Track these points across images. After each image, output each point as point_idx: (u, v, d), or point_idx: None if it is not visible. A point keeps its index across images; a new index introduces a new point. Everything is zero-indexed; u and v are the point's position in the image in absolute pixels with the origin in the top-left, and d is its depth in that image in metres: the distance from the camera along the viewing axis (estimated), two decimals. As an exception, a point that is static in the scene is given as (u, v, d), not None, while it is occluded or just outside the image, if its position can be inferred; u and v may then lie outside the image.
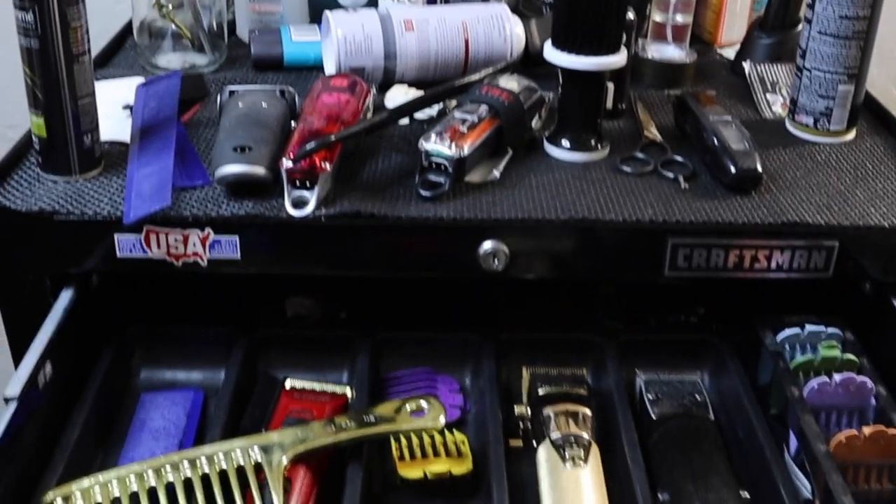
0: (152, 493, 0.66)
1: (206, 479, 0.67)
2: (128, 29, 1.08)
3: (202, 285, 0.82)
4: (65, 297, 0.77)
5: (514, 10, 1.01)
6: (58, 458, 0.71)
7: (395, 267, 0.77)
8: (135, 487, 0.66)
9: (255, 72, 1.00)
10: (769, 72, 0.99)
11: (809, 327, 0.80)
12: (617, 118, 0.92)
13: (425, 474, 0.74)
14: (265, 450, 0.69)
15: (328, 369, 0.85)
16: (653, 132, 0.88)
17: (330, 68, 0.95)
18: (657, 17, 1.01)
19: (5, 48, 0.87)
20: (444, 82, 0.86)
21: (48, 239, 0.75)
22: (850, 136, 0.89)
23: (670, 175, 0.81)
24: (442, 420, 0.73)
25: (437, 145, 0.77)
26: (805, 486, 0.70)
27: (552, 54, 0.81)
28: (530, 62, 0.96)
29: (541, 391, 0.80)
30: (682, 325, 0.91)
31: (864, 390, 0.74)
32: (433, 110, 0.90)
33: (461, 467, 0.74)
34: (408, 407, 0.73)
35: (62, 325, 0.74)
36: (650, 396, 0.81)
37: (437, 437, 0.76)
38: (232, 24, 1.08)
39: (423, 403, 0.74)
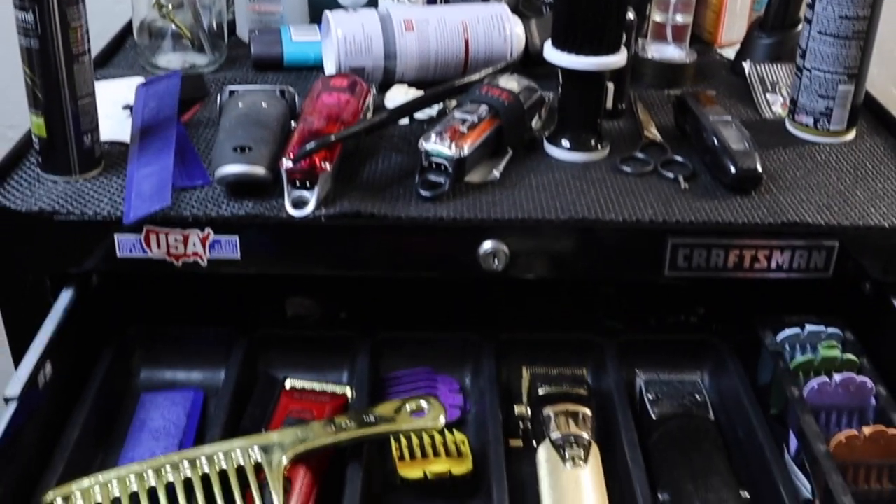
0: (152, 493, 0.66)
1: (206, 479, 0.67)
2: (128, 29, 1.08)
3: (202, 285, 0.82)
4: (65, 297, 0.77)
5: (514, 10, 1.01)
6: (58, 458, 0.71)
7: (396, 267, 0.77)
8: (135, 487, 0.66)
9: (255, 72, 1.00)
10: (769, 72, 0.99)
11: (809, 327, 0.80)
12: (617, 118, 0.92)
13: (425, 474, 0.74)
14: (265, 450, 0.69)
15: (328, 369, 0.85)
16: (653, 132, 0.88)
17: (330, 68, 0.95)
18: (657, 17, 1.01)
19: (5, 48, 0.87)
20: (444, 82, 0.86)
21: (48, 239, 0.75)
22: (850, 136, 0.89)
23: (670, 175, 0.81)
24: (442, 420, 0.73)
25: (437, 145, 0.77)
26: (805, 486, 0.70)
27: (552, 54, 0.81)
28: (530, 62, 0.97)
29: (541, 391, 0.80)
30: (682, 325, 0.91)
31: (864, 390, 0.74)
32: (433, 110, 0.90)
33: (461, 467, 0.74)
34: (408, 407, 0.73)
35: (62, 325, 0.74)
36: (650, 396, 0.81)
37: (437, 437, 0.76)
38: (232, 24, 1.08)
39: (423, 403, 0.74)
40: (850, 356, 0.77)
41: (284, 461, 0.68)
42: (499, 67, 0.88)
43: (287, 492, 0.68)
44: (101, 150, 0.79)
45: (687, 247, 0.75)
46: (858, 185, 0.81)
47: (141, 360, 0.85)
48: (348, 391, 0.81)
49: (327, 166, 0.74)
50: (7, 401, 0.67)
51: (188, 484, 0.67)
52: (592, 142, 0.84)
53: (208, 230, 0.74)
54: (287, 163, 0.74)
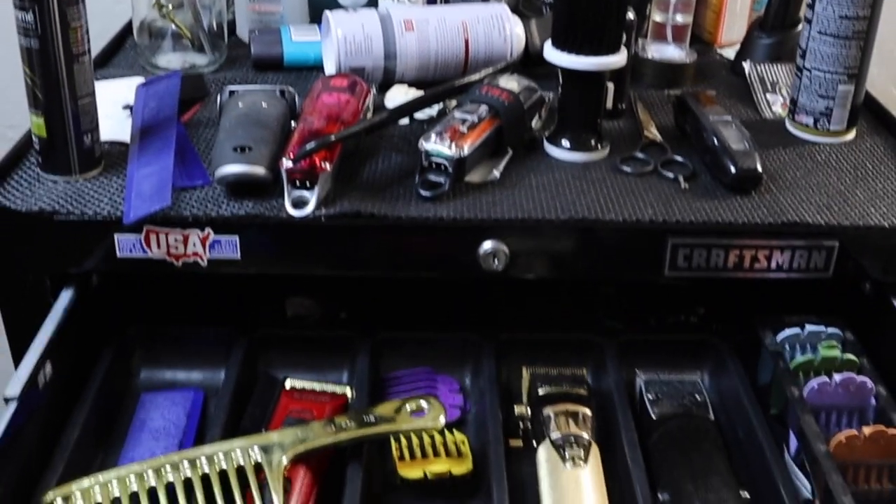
0: (152, 493, 0.66)
1: (206, 479, 0.67)
2: (128, 29, 1.08)
3: (202, 285, 0.82)
4: (65, 297, 0.77)
5: (514, 10, 1.01)
6: (58, 457, 0.71)
7: (396, 267, 0.77)
8: (135, 487, 0.66)
9: (255, 72, 1.00)
10: (769, 72, 0.99)
11: (809, 327, 0.80)
12: (617, 118, 0.92)
13: (425, 474, 0.74)
14: (265, 450, 0.69)
15: (328, 369, 0.85)
16: (653, 132, 0.88)
17: (330, 68, 0.96)
18: (657, 17, 1.01)
19: (5, 48, 0.87)
20: (444, 82, 0.86)
21: (48, 239, 0.75)
22: (850, 136, 0.89)
23: (670, 175, 0.81)
24: (442, 420, 0.73)
25: (437, 145, 0.77)
26: (805, 486, 0.70)
27: (552, 54, 0.81)
28: (530, 62, 0.97)
29: (541, 391, 0.80)
30: (683, 325, 0.91)
31: (863, 390, 0.74)
32: (433, 110, 0.90)
33: (461, 467, 0.74)
34: (408, 407, 0.73)
35: (62, 324, 0.74)
36: (650, 396, 0.81)
37: (437, 437, 0.76)
38: (232, 24, 1.08)
39: (423, 403, 0.74)
40: (850, 356, 0.77)
41: (284, 461, 0.68)
42: (499, 67, 0.88)
43: (287, 492, 0.68)
44: (101, 150, 0.79)
45: (687, 247, 0.75)
46: (858, 185, 0.81)
47: (141, 360, 0.86)
48: (348, 391, 0.81)
49: (327, 166, 0.74)
50: (7, 401, 0.67)
51: (188, 484, 0.67)
52: (592, 142, 0.84)
53: (208, 230, 0.74)
54: (287, 163, 0.74)
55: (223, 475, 0.68)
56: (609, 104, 0.90)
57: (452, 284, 0.86)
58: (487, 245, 0.75)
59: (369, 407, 0.74)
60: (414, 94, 0.91)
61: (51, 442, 0.72)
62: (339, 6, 1.03)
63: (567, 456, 0.73)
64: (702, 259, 0.76)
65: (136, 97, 0.84)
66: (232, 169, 0.74)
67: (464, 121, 0.79)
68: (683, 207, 0.76)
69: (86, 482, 0.66)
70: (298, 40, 1.00)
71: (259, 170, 0.74)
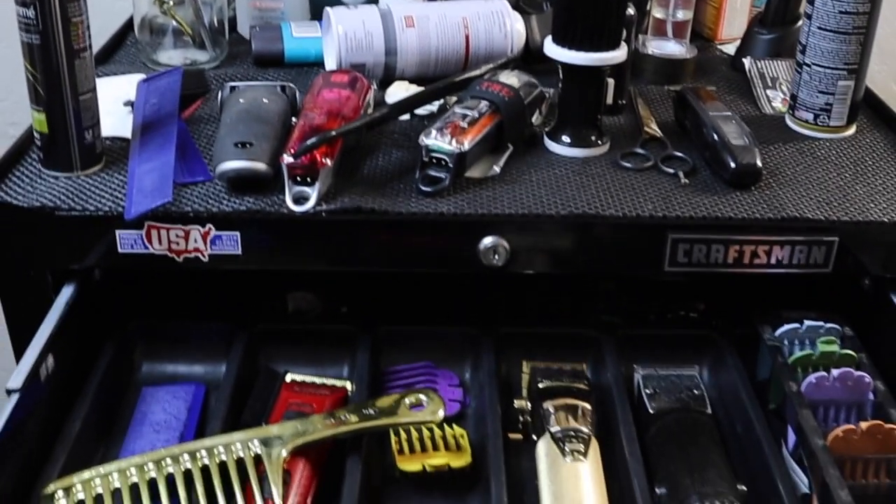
0: (152, 484, 0.67)
1: (206, 471, 0.67)
2: (129, 25, 1.08)
3: (203, 280, 0.82)
4: (66, 292, 0.77)
5: (515, 6, 1.01)
6: (59, 450, 0.71)
7: (396, 262, 0.77)
8: (135, 479, 0.66)
9: (255, 68, 1.01)
10: (769, 67, 0.99)
11: (808, 322, 0.80)
12: (617, 114, 0.92)
13: (424, 467, 0.74)
14: (265, 443, 0.69)
15: (328, 363, 0.86)
16: (653, 128, 0.88)
17: (331, 64, 0.96)
18: (657, 13, 1.02)
19: (6, 45, 0.87)
20: (444, 78, 0.86)
21: (50, 235, 0.75)
22: (850, 131, 0.89)
23: (670, 170, 0.81)
24: (441, 414, 0.73)
25: (437, 141, 0.77)
26: (802, 481, 0.71)
27: (552, 50, 0.81)
28: (531, 58, 0.97)
29: (541, 385, 0.80)
30: (682, 321, 0.91)
31: (861, 385, 0.75)
32: (434, 106, 0.90)
33: (460, 461, 0.75)
34: (407, 401, 0.74)
35: (64, 318, 0.75)
36: (648, 391, 0.81)
37: (437, 431, 0.76)
38: (233, 21, 1.08)
39: (423, 397, 0.74)
40: (849, 351, 0.78)
41: (284, 454, 0.69)
42: (499, 63, 0.88)
43: (286, 484, 0.68)
44: (103, 146, 0.80)
45: (687, 242, 0.76)
46: (858, 180, 0.81)
47: (142, 354, 0.86)
48: (348, 385, 0.81)
49: (328, 162, 0.74)
50: (9, 392, 0.67)
51: (188, 476, 0.67)
52: (593, 137, 0.84)
53: (209, 226, 0.74)
54: (288, 158, 0.74)
55: (223, 467, 0.68)
56: (609, 100, 0.90)
57: (452, 279, 0.86)
58: (488, 240, 0.75)
59: (369, 400, 0.75)
60: (414, 90, 0.91)
61: (52, 434, 0.72)
62: (339, 2, 1.03)
63: (567, 450, 0.73)
64: (701, 254, 0.76)
65: (138, 93, 0.84)
66: (233, 164, 0.74)
67: (464, 116, 0.79)
68: (683, 203, 0.77)
69: (87, 474, 0.67)
70: (299, 36, 1.01)
71: (260, 165, 0.75)
